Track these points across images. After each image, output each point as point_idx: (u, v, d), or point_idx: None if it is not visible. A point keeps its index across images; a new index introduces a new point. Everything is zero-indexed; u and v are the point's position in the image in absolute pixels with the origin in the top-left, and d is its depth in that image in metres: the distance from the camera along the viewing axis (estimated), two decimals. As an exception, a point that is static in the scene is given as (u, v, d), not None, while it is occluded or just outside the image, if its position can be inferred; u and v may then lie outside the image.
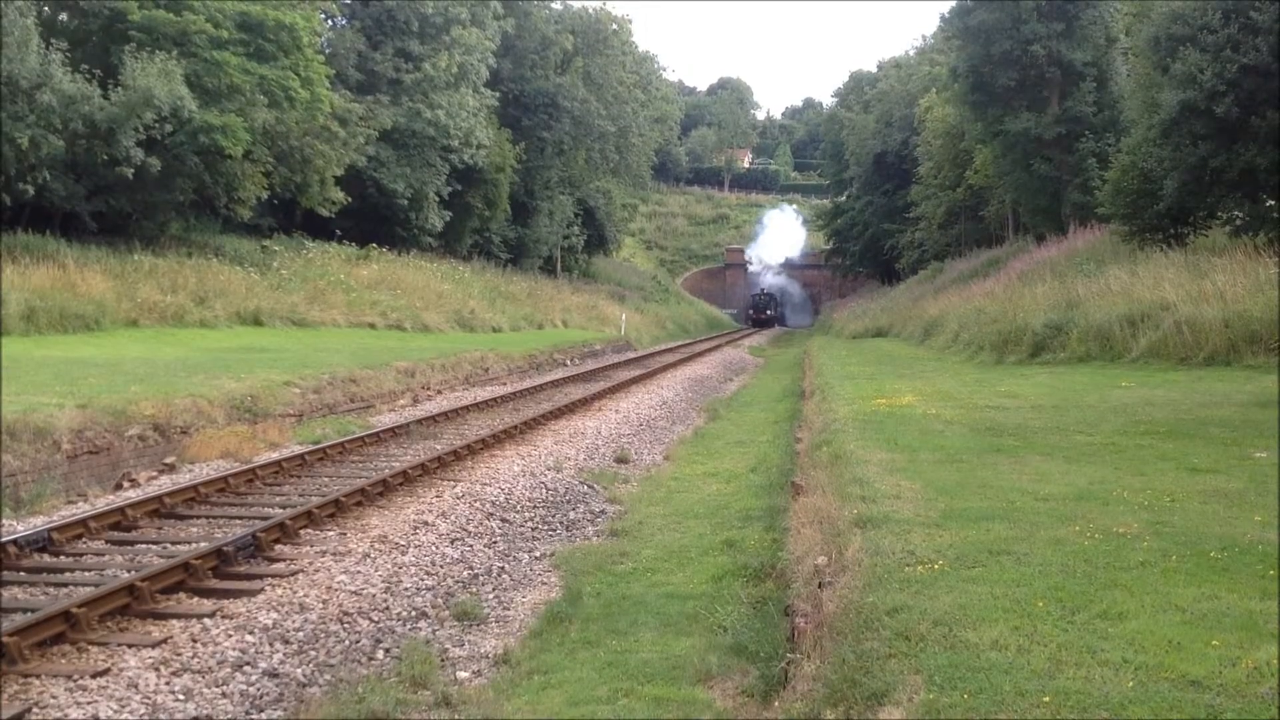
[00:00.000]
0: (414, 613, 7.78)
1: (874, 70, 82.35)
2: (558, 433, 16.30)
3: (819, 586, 6.50)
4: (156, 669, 6.18)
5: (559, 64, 53.90)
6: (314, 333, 27.53)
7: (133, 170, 24.98)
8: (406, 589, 8.19)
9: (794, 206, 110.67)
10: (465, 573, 8.92)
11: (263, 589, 7.64)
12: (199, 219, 32.28)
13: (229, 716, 5.84)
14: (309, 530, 9.36)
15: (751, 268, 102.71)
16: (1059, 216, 36.85)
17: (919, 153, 54.54)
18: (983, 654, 4.67)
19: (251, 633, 6.80)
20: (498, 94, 47.31)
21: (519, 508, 11.33)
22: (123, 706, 5.73)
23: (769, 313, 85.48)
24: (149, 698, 5.85)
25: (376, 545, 8.95)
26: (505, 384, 24.37)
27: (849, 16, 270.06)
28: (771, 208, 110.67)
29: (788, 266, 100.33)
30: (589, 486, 12.92)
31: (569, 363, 32.20)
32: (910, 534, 6.82)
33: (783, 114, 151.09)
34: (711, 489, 12.65)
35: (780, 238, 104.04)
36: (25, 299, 20.05)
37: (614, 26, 59.21)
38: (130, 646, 6.49)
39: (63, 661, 6.29)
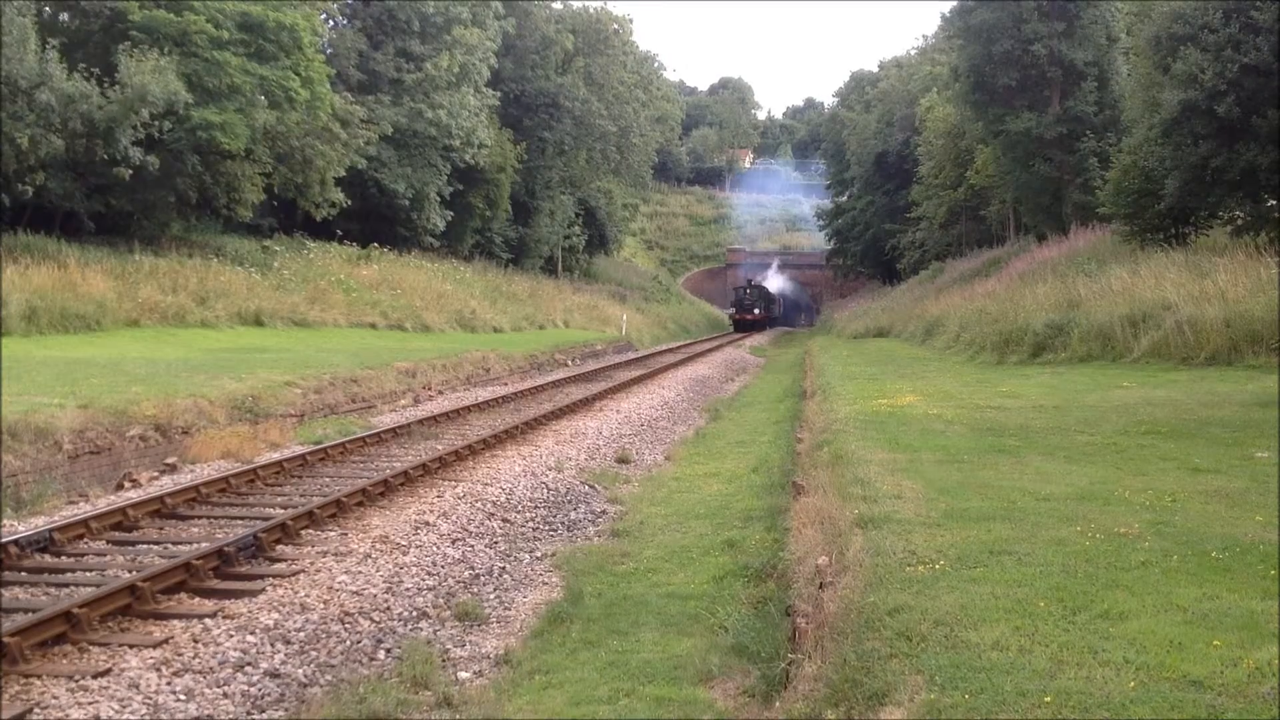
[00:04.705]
0: (415, 613, 7.78)
1: (875, 70, 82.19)
2: (559, 433, 16.29)
3: (820, 587, 6.50)
4: (158, 669, 6.19)
5: (560, 64, 53.91)
6: (315, 333, 27.53)
7: (131, 170, 25.00)
8: (408, 589, 8.19)
9: (789, 168, 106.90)
10: (466, 573, 8.92)
11: (264, 589, 7.64)
12: (200, 219, 32.27)
13: (230, 717, 5.84)
14: (310, 530, 9.36)
15: (737, 255, 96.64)
16: (1060, 216, 36.83)
17: (920, 152, 54.49)
18: (984, 654, 4.67)
19: (253, 633, 6.80)
20: (499, 94, 47.32)
21: (520, 508, 11.33)
22: (124, 707, 5.74)
23: (757, 312, 68.89)
24: (150, 698, 5.85)
25: (378, 545, 8.95)
26: (506, 384, 24.37)
27: (850, 16, 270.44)
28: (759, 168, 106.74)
29: (785, 265, 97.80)
30: (590, 487, 12.92)
31: (570, 363, 32.20)
32: (911, 534, 6.81)
33: (784, 114, 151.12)
34: (713, 489, 12.65)
35: (773, 212, 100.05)
36: (26, 299, 20.05)
37: (615, 26, 59.20)
38: (131, 647, 6.49)
39: (64, 662, 6.30)
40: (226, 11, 28.11)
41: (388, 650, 7.06)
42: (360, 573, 8.23)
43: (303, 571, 8.11)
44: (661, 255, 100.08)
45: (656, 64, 74.56)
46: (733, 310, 70.42)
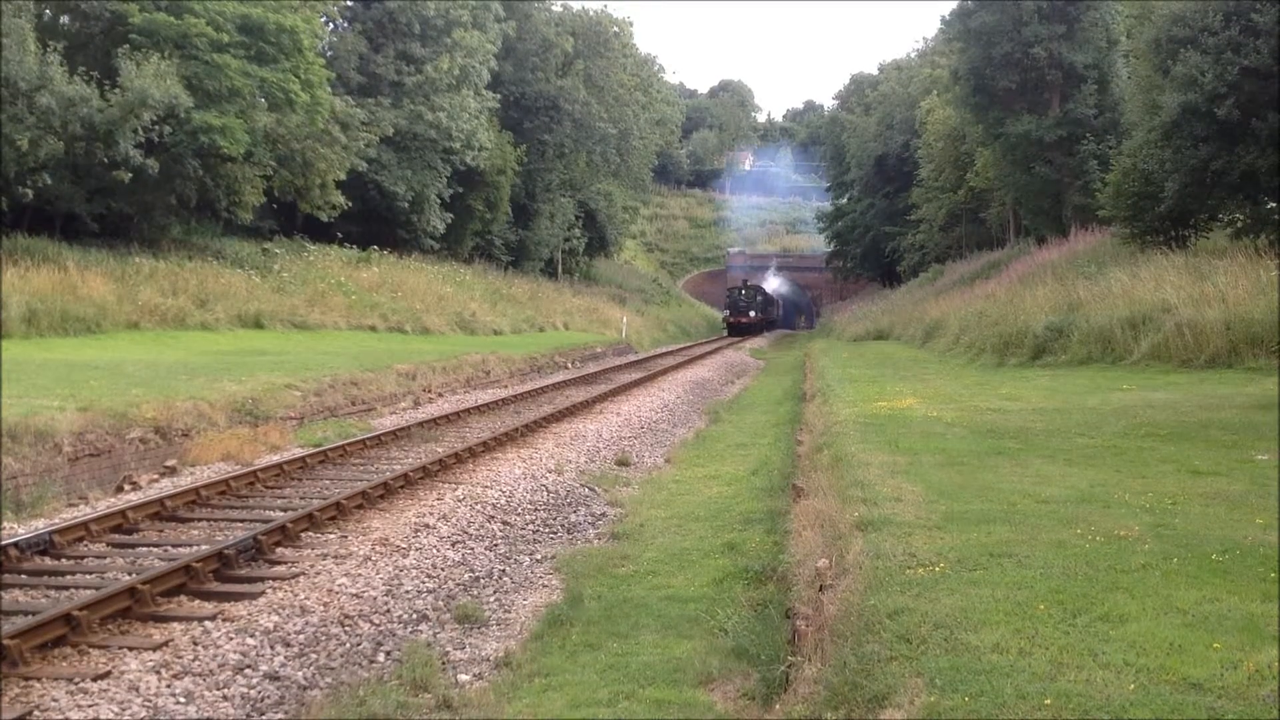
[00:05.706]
0: (415, 615, 7.78)
1: (875, 73, 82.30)
2: (559, 435, 16.29)
3: (820, 589, 6.50)
4: (157, 672, 6.19)
5: (560, 66, 53.94)
6: (315, 335, 27.53)
7: (131, 173, 25.02)
8: (407, 592, 8.19)
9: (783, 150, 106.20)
10: (466, 575, 8.91)
11: (264, 592, 7.64)
12: (200, 222, 32.30)
13: (230, 719, 5.84)
14: (310, 533, 9.36)
15: (733, 258, 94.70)
16: (1060, 219, 36.85)
17: (920, 155, 54.55)
18: (984, 656, 4.67)
19: (252, 635, 6.80)
20: (499, 96, 47.37)
21: (520, 510, 11.33)
22: (124, 709, 5.73)
23: (754, 314, 63.83)
24: (150, 700, 5.85)
25: (377, 548, 8.95)
26: (506, 386, 24.37)
27: (850, 18, 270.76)
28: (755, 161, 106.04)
29: (785, 267, 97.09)
30: (590, 489, 12.92)
31: (570, 365, 32.20)
32: (911, 537, 6.81)
33: (784, 116, 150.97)
34: (713, 491, 12.64)
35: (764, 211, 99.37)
36: (26, 301, 20.06)
37: (615, 29, 59.19)
38: (131, 649, 6.49)
39: (64, 664, 6.30)
40: (227, 14, 28.13)
41: (387, 653, 7.06)
42: (360, 575, 8.23)
43: (302, 574, 8.11)
44: (661, 258, 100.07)
45: (656, 66, 74.52)
46: (727, 313, 65.45)
